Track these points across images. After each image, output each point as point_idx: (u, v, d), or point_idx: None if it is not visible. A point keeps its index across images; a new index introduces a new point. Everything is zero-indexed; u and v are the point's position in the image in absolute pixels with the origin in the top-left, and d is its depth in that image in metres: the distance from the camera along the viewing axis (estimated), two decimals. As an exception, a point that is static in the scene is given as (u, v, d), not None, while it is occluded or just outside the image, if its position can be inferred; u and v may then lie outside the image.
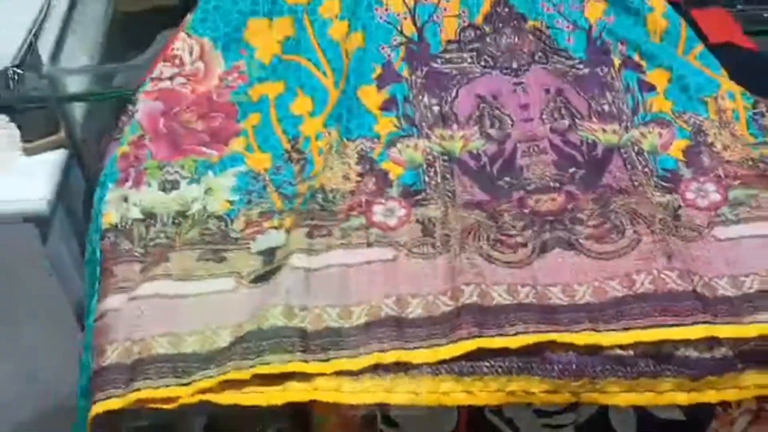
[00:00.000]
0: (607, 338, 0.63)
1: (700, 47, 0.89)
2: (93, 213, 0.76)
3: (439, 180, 0.77)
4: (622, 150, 0.79)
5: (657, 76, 0.86)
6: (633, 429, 0.75)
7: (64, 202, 1.01)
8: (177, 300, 0.67)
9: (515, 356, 0.62)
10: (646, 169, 0.77)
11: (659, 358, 0.63)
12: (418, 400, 0.61)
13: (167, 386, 0.61)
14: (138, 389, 0.61)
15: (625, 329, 0.63)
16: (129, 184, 0.77)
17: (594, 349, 0.63)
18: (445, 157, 0.79)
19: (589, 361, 0.63)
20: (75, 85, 1.00)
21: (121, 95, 0.93)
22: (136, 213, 0.75)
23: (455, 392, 0.62)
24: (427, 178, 0.77)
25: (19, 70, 0.96)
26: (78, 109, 1.03)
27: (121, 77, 1.00)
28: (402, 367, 0.62)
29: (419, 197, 0.75)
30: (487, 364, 0.62)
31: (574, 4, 0.92)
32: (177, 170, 0.79)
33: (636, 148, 0.79)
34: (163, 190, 0.77)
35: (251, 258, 0.71)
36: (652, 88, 0.85)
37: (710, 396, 0.64)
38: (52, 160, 0.98)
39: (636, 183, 0.76)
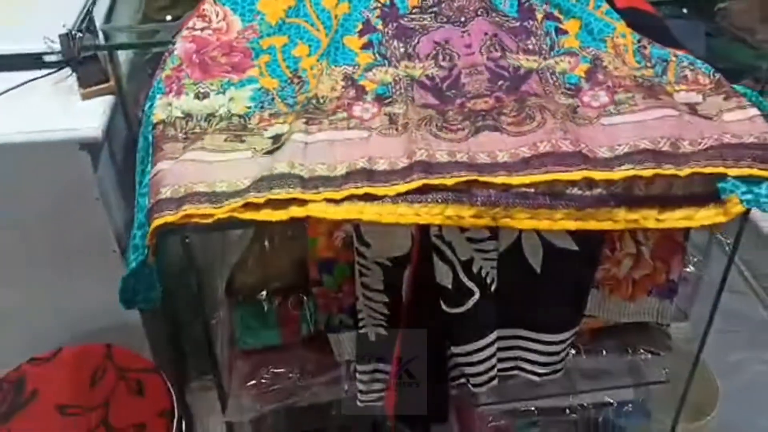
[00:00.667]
0: (515, 180, 0.89)
1: (605, 6, 1.16)
2: (144, 115, 1.03)
3: (402, 91, 1.03)
4: (539, 71, 1.06)
5: (571, 25, 1.14)
6: (540, 256, 1.00)
7: (110, 138, 1.28)
8: (210, 163, 0.93)
9: (451, 191, 0.88)
10: (557, 83, 1.04)
11: (553, 195, 0.89)
12: (382, 219, 0.87)
13: (206, 208, 0.87)
14: (186, 209, 0.87)
15: (529, 174, 0.90)
16: (172, 94, 1.04)
17: (507, 188, 0.89)
18: (408, 79, 1.06)
19: (502, 195, 0.88)
20: (123, 40, 1.28)
21: (161, 48, 1.20)
22: (177, 113, 1.01)
23: (408, 214, 0.87)
24: (393, 90, 1.04)
25: (78, 33, 1.23)
26: (124, 65, 1.31)
27: (160, 35, 1.27)
28: (370, 198, 0.88)
29: (387, 101, 1.02)
30: (431, 195, 0.88)
31: None
32: (207, 86, 1.05)
33: (550, 71, 1.06)
34: (197, 98, 1.03)
35: (264, 140, 0.98)
36: (565, 32, 1.12)
37: (592, 225, 0.90)
38: (103, 103, 1.25)
39: (547, 90, 1.02)
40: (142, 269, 0.91)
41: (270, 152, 0.95)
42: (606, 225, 0.90)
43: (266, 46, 1.14)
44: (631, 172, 0.89)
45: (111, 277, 1.32)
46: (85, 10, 1.30)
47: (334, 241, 1.12)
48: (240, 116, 1.02)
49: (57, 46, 1.23)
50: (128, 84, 1.29)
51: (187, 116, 1.01)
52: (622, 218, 0.90)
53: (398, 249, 1.07)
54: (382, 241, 1.05)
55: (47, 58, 1.27)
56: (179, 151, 0.96)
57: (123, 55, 1.29)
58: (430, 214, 0.88)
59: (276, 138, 0.98)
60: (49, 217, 1.27)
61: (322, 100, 1.02)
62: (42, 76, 1.23)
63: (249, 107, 1.03)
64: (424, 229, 1.01)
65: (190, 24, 1.14)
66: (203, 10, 1.17)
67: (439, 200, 0.88)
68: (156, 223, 0.86)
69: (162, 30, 1.24)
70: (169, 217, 0.87)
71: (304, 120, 0.98)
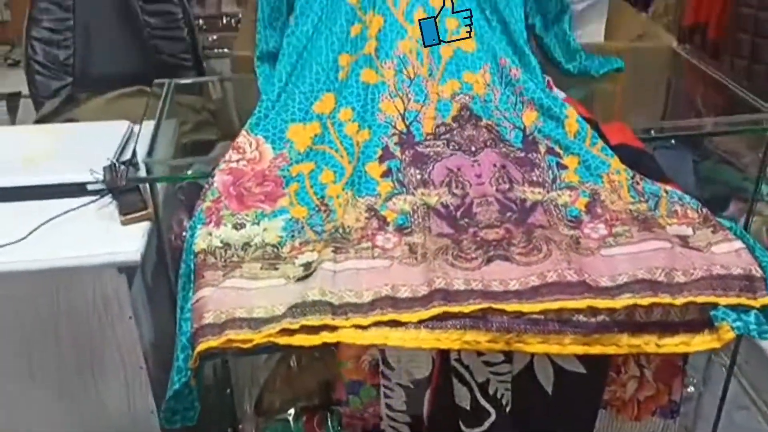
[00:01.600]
0: (526, 307, 0.98)
1: (600, 143, 1.29)
2: (186, 245, 1.13)
3: (420, 220, 1.14)
4: (544, 204, 1.17)
5: (570, 161, 1.26)
6: (551, 378, 1.08)
7: (145, 262, 1.37)
8: (248, 290, 1.03)
9: (468, 318, 0.97)
10: (560, 215, 1.15)
11: (561, 321, 0.98)
12: (405, 343, 0.96)
13: (245, 333, 0.96)
14: (227, 335, 0.95)
15: (539, 302, 0.99)
16: (212, 224, 1.14)
17: (519, 315, 0.98)
18: (425, 208, 1.17)
19: (515, 322, 0.98)
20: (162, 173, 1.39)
21: (195, 179, 1.32)
22: (217, 242, 1.12)
23: (429, 339, 0.96)
24: (412, 220, 1.15)
25: (120, 164, 1.35)
26: (161, 194, 1.42)
27: (195, 168, 1.39)
28: (394, 324, 0.97)
29: (407, 231, 1.12)
30: (450, 322, 0.97)
31: (514, 112, 1.33)
32: (244, 217, 1.16)
33: (553, 203, 1.17)
34: (235, 228, 1.14)
35: (295, 268, 1.07)
36: (565, 167, 1.24)
37: (597, 349, 0.98)
38: (141, 228, 1.35)
39: (551, 223, 1.13)
40: (184, 390, 0.99)
41: (302, 279, 1.05)
42: (611, 350, 0.99)
43: (295, 174, 1.25)
44: (631, 301, 0.99)
45: (138, 393, 1.38)
46: (125, 143, 1.43)
47: (361, 364, 1.21)
48: (273, 245, 1.12)
49: (100, 176, 1.34)
50: (163, 212, 1.40)
51: (226, 245, 1.11)
52: (625, 343, 0.99)
53: (420, 372, 1.15)
54: (405, 365, 1.14)
55: (90, 187, 1.38)
56: (219, 278, 1.05)
57: (159, 184, 1.40)
58: (449, 339, 0.96)
59: (307, 266, 1.07)
60: (83, 332, 1.35)
61: (348, 230, 1.12)
62: (85, 204, 1.34)
63: (281, 237, 1.13)
64: (444, 353, 1.10)
65: (227, 156, 1.26)
66: (238, 142, 1.29)
67: (458, 326, 0.97)
68: (201, 347, 0.95)
69: (196, 163, 1.36)
70: (212, 341, 0.95)
71: (332, 249, 1.08)
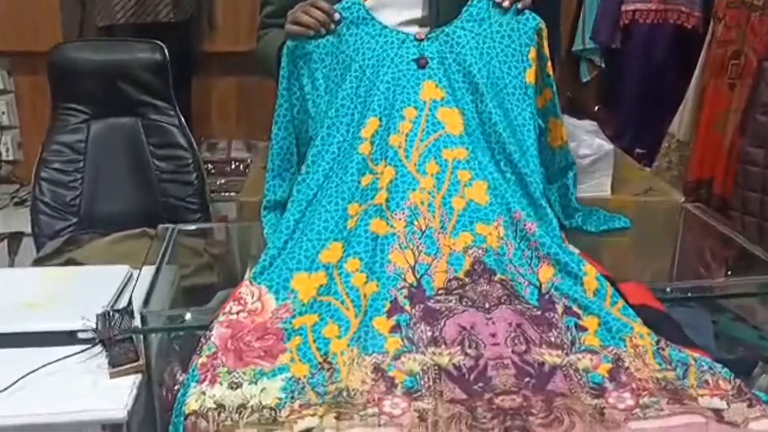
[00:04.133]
0: None
1: (621, 303, 1.22)
2: (176, 404, 1.04)
3: (431, 383, 1.06)
4: (563, 368, 1.09)
5: (589, 322, 1.19)
6: None
7: (132, 417, 1.28)
8: None
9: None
10: (581, 382, 1.07)
11: None
12: None
13: None
14: None
15: None
16: (206, 383, 1.06)
17: None
18: (436, 369, 1.09)
19: None
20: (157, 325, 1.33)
21: (190, 331, 1.25)
22: (210, 403, 1.03)
23: None
24: (422, 382, 1.06)
25: (114, 312, 1.29)
26: (155, 344, 1.35)
27: (191, 319, 1.33)
28: None
29: (416, 395, 1.04)
30: None
31: (529, 268, 1.28)
32: (241, 375, 1.08)
33: (573, 367, 1.10)
34: (231, 388, 1.06)
35: None
36: (585, 329, 1.17)
37: None
38: (130, 382, 1.27)
39: (572, 390, 1.05)
40: None
41: None
42: None
43: (298, 326, 1.18)
44: None
45: None
46: (122, 289, 1.37)
47: None
48: (271, 408, 1.03)
49: (92, 324, 1.28)
50: (156, 363, 1.32)
51: (220, 407, 1.03)
52: None
53: None
54: None
55: (82, 335, 1.31)
56: None
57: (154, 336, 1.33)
58: None
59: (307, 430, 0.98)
60: None
61: (353, 393, 1.04)
62: (73, 354, 1.26)
63: (280, 399, 1.05)
64: None
65: (227, 308, 1.20)
66: (239, 293, 1.23)
67: None
68: None
69: (193, 312, 1.29)
70: None
71: (335, 414, 1.00)
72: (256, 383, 1.07)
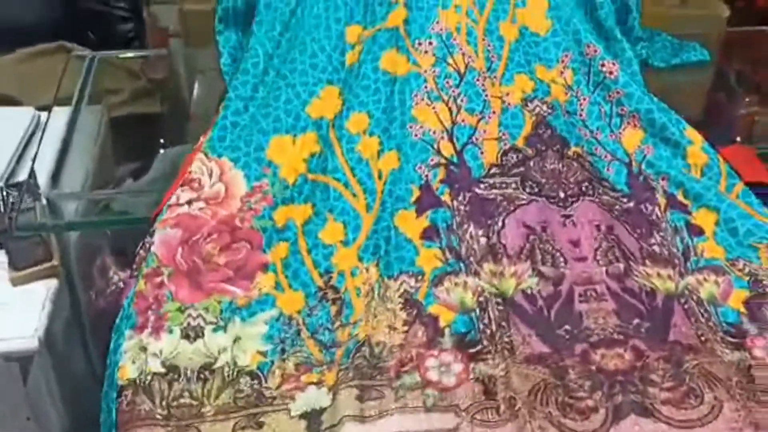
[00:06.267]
0: None
1: (740, 185, 0.85)
2: (108, 364, 0.67)
3: (494, 328, 0.70)
4: (682, 299, 0.74)
5: (703, 217, 0.82)
6: None
7: (50, 338, 0.92)
8: None
9: None
10: (710, 323, 0.73)
11: None
12: None
13: None
14: None
15: None
16: (148, 330, 0.68)
17: None
18: (499, 300, 0.73)
19: None
20: (72, 209, 0.93)
21: (123, 225, 0.86)
22: (156, 366, 0.66)
23: None
24: (481, 326, 0.71)
25: (12, 191, 0.88)
26: (73, 235, 0.95)
27: (120, 202, 0.93)
28: None
29: (475, 350, 0.69)
30: None
31: (611, 134, 0.89)
32: (200, 314, 0.70)
33: (695, 297, 0.75)
34: (186, 338, 0.68)
35: (293, 423, 0.63)
36: (701, 232, 0.81)
37: None
38: (42, 291, 0.90)
39: (703, 338, 0.71)
40: None
41: None
42: None
43: (282, 223, 0.80)
44: None
45: None
46: (22, 149, 0.95)
47: None
48: (251, 373, 0.67)
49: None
50: (79, 257, 0.93)
51: (171, 372, 0.66)
52: None
53: None
54: None
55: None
56: None
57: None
58: None
59: (312, 419, 0.63)
60: None
61: (378, 350, 0.68)
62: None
63: (264, 353, 0.68)
64: None
65: (173, 198, 0.79)
66: (190, 172, 0.82)
67: None
68: None
69: (121, 197, 0.89)
70: None
71: (356, 390, 0.64)
72: (225, 328, 0.70)
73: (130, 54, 1.37)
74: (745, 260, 0.79)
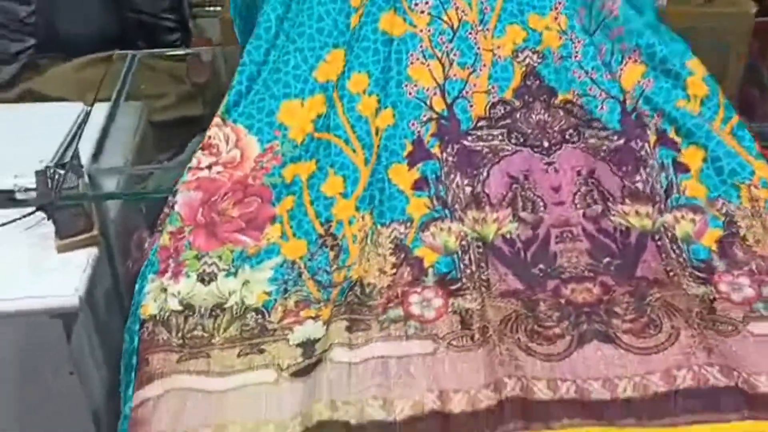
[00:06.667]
0: None
1: (736, 119, 0.89)
2: (132, 303, 0.77)
3: (474, 268, 0.77)
4: (656, 237, 0.79)
5: (691, 155, 0.86)
6: None
7: (91, 300, 1.02)
8: (219, 394, 0.68)
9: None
10: (681, 259, 0.78)
11: None
12: None
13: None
14: None
15: (671, 426, 0.63)
16: (168, 275, 0.78)
17: None
18: (479, 243, 0.80)
19: None
20: (112, 185, 1.03)
21: (157, 195, 0.95)
22: (174, 304, 0.76)
23: None
24: (462, 266, 0.78)
25: (59, 170, 0.98)
26: (113, 207, 1.06)
27: (155, 179, 1.03)
28: None
29: (455, 287, 0.76)
30: None
31: (607, 73, 0.92)
32: (214, 261, 0.80)
33: (669, 235, 0.80)
34: (201, 281, 0.78)
35: (290, 350, 0.72)
36: (686, 169, 0.85)
37: None
38: (84, 258, 0.99)
39: (671, 273, 0.76)
40: None
41: (301, 373, 0.69)
42: None
43: (290, 179, 0.88)
44: None
45: None
46: (65, 144, 1.07)
47: None
48: (257, 310, 0.76)
49: (28, 184, 0.99)
50: (117, 227, 1.04)
51: (186, 309, 0.76)
52: None
53: None
54: None
55: (20, 196, 1.03)
56: (172, 367, 0.70)
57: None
58: None
59: (307, 347, 0.72)
60: (17, 391, 1.02)
61: (368, 290, 0.76)
62: (8, 222, 0.98)
63: (269, 293, 0.77)
64: None
65: (194, 161, 0.89)
66: (209, 138, 0.90)
67: None
68: None
69: (157, 173, 0.99)
70: None
71: (346, 323, 0.72)
72: (235, 274, 0.79)
73: (171, 52, 1.46)
74: (724, 199, 0.83)
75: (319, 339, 0.72)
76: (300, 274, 0.79)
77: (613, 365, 0.68)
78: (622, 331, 0.70)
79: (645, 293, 0.74)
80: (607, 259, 0.77)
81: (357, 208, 0.85)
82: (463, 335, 0.71)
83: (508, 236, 0.80)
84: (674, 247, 0.79)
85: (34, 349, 1.00)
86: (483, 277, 0.76)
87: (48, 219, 0.99)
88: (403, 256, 0.79)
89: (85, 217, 0.99)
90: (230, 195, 0.86)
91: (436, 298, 0.75)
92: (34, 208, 0.99)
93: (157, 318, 0.74)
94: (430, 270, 0.78)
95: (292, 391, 0.67)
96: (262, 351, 0.72)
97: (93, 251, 0.99)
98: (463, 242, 0.80)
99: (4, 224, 0.99)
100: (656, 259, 0.77)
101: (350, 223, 0.84)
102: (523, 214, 0.82)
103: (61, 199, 0.92)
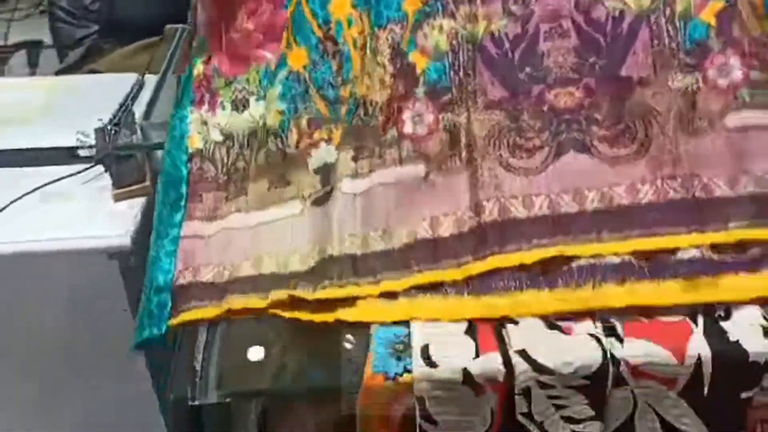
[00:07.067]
0: (609, 247, 0.69)
1: None
2: (172, 130, 0.86)
3: (462, 75, 0.79)
4: (652, 18, 0.76)
5: None
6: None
7: (141, 244, 1.11)
8: (257, 228, 0.80)
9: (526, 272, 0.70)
10: (673, 44, 0.75)
11: (656, 265, 0.68)
12: (443, 316, 0.71)
13: (252, 299, 0.74)
14: (229, 301, 0.75)
15: (627, 238, 0.68)
16: (205, 107, 0.87)
17: (597, 256, 0.69)
18: (469, 46, 0.80)
19: (590, 271, 0.69)
20: (161, 138, 1.13)
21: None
22: (216, 135, 0.86)
23: (475, 308, 0.70)
24: (452, 73, 0.80)
25: (115, 127, 1.09)
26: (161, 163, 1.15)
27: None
28: (433, 288, 0.71)
29: (445, 98, 0.79)
30: (502, 282, 0.70)
31: None
32: (244, 86, 0.87)
33: (668, 12, 0.76)
34: (236, 109, 0.86)
35: (310, 177, 0.81)
36: None
37: (708, 296, 0.67)
38: (136, 206, 1.08)
39: (658, 65, 0.74)
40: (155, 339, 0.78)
41: (318, 201, 0.80)
42: (730, 295, 0.68)
43: None
44: (753, 233, 0.67)
45: (136, 391, 1.14)
46: (124, 104, 1.17)
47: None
48: (275, 134, 0.84)
49: (89, 141, 1.10)
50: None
51: (228, 140, 0.86)
52: (751, 288, 0.67)
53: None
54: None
55: (82, 153, 1.13)
56: (222, 206, 0.83)
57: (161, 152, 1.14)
58: (498, 307, 0.71)
59: (323, 173, 0.81)
60: (72, 325, 1.12)
61: (370, 109, 0.81)
62: (71, 175, 1.09)
63: (282, 112, 0.85)
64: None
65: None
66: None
67: (513, 287, 0.71)
68: (194, 315, 0.76)
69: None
70: (213, 309, 0.75)
71: (352, 152, 0.80)
72: (264, 97, 0.85)
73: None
74: None
75: (332, 164, 0.80)
76: (307, 89, 0.85)
77: (585, 175, 0.72)
78: (598, 139, 0.73)
79: (625, 100, 0.74)
80: (593, 59, 0.77)
81: (354, 6, 0.85)
82: (451, 156, 0.77)
83: (496, 34, 0.80)
84: (669, 28, 0.76)
85: (90, 287, 1.10)
86: (470, 89, 0.78)
87: (105, 171, 1.09)
88: (399, 62, 0.81)
89: (138, 169, 1.08)
90: (244, 7, 0.89)
91: (428, 113, 0.79)
92: (93, 162, 1.10)
93: (203, 153, 0.85)
94: (422, 79, 0.80)
95: (313, 219, 0.78)
96: (288, 183, 0.81)
97: (143, 200, 1.09)
98: (454, 42, 0.80)
99: (67, 176, 1.10)
100: (646, 49, 0.76)
101: (349, 23, 0.85)
102: (513, 7, 0.80)
103: (117, 149, 1.01)
